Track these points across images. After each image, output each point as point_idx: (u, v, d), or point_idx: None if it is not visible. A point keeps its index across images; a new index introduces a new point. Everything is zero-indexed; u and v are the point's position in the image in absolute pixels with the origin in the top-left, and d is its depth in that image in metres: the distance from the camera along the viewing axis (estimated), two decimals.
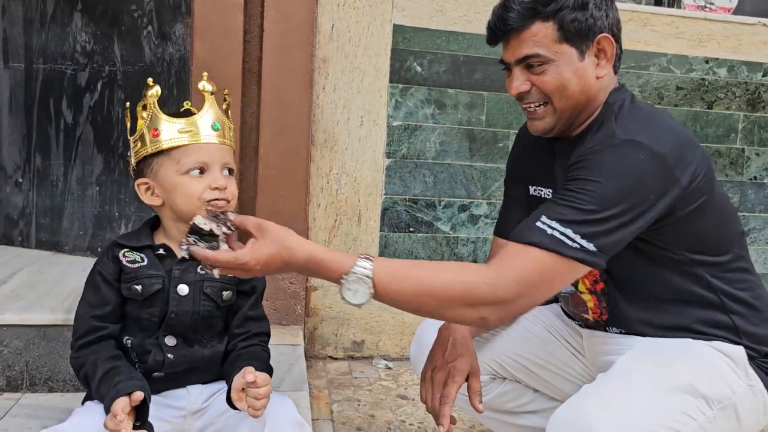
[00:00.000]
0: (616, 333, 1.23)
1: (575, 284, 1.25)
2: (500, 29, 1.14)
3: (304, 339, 2.12)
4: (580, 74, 1.12)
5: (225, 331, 1.25)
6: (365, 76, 2.20)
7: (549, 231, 1.00)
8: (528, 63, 1.13)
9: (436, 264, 1.04)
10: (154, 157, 1.18)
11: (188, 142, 1.16)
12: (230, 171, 1.20)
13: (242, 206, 2.07)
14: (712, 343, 1.12)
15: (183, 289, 1.19)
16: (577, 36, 1.11)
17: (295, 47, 2.02)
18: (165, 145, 1.16)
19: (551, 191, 1.25)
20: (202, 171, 1.16)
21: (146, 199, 1.20)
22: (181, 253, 1.19)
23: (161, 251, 1.20)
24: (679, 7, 2.58)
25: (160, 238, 1.23)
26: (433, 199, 2.31)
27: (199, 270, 1.20)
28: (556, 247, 0.99)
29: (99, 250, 2.17)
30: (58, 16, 2.12)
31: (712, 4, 2.59)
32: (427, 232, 2.31)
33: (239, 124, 2.02)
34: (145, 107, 1.19)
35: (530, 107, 1.17)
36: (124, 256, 1.19)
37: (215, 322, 1.22)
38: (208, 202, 1.15)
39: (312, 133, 2.13)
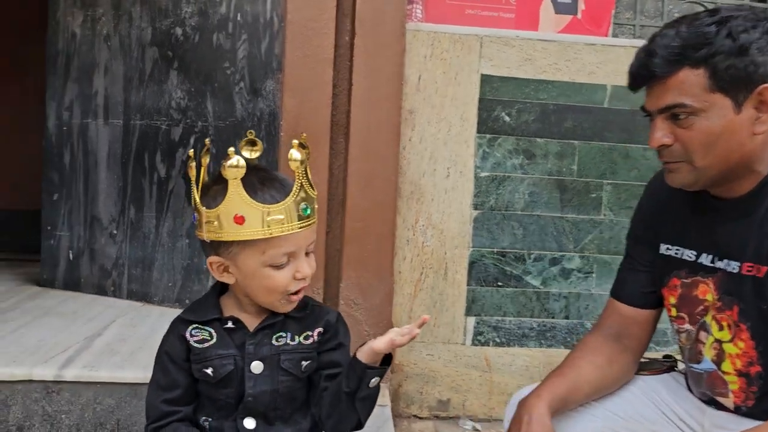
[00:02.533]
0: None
1: (718, 363, 1.12)
2: (642, 75, 1.03)
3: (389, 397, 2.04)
4: (733, 129, 0.99)
5: (306, 403, 1.14)
6: (452, 127, 2.16)
7: None
8: (673, 113, 1.01)
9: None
10: (234, 242, 1.04)
11: (278, 233, 1.01)
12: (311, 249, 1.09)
13: (329, 259, 2.05)
14: None
15: (257, 366, 1.08)
16: (733, 85, 0.97)
17: (383, 100, 2.01)
18: (249, 237, 1.02)
19: (696, 253, 1.12)
20: (287, 259, 1.05)
21: (218, 276, 1.08)
22: (254, 325, 1.09)
23: (230, 324, 1.09)
24: None
25: (229, 308, 1.11)
26: (523, 252, 2.22)
27: (274, 341, 1.09)
28: None
29: (187, 301, 2.19)
30: (156, 75, 2.19)
31: None
32: (516, 287, 2.22)
33: (327, 177, 2.02)
34: (216, 181, 1.04)
35: (668, 161, 1.06)
36: (192, 335, 1.08)
37: (296, 395, 1.12)
38: (290, 294, 1.06)
39: (398, 184, 2.10)
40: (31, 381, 1.48)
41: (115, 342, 1.73)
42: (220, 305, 1.12)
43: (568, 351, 2.24)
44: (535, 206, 2.22)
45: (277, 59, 2.01)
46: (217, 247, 1.06)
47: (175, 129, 2.17)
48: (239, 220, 1.01)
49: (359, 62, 1.98)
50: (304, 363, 1.10)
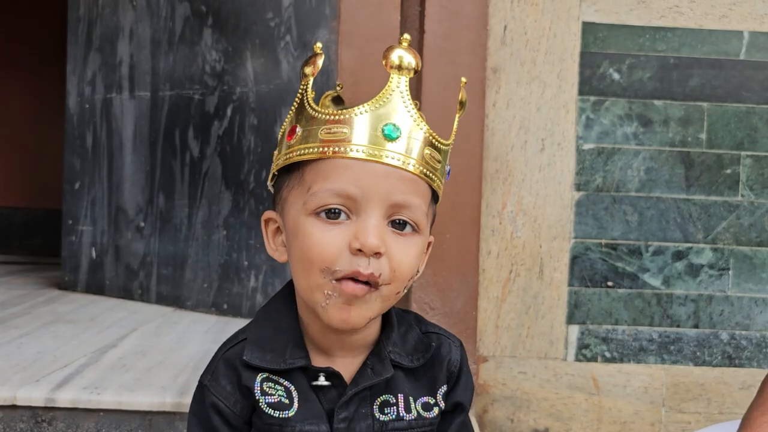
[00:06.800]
0: None
1: None
2: None
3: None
4: None
5: None
6: (547, 88, 1.79)
7: None
8: None
9: None
10: (287, 177, 0.69)
11: (331, 153, 0.65)
12: (410, 224, 0.67)
13: None
14: None
15: None
16: None
17: (464, 51, 1.66)
18: (293, 156, 0.67)
19: None
20: (347, 212, 0.65)
21: (272, 249, 0.72)
22: (349, 375, 0.69)
23: (323, 380, 0.68)
24: None
25: (309, 341, 0.71)
26: (638, 244, 1.82)
27: (377, 412, 0.69)
28: None
29: (224, 306, 1.82)
30: (187, 35, 1.89)
31: None
32: (630, 287, 1.82)
33: None
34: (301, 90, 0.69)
35: None
36: (264, 392, 0.67)
37: None
38: (338, 280, 0.64)
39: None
40: (15, 407, 1.13)
41: (130, 355, 1.38)
42: (303, 338, 0.70)
43: (697, 369, 1.90)
44: (654, 186, 1.83)
45: (331, 4, 1.68)
46: (274, 196, 0.73)
47: (209, 98, 1.85)
48: (291, 131, 0.69)
49: (433, 3, 1.63)
50: None
